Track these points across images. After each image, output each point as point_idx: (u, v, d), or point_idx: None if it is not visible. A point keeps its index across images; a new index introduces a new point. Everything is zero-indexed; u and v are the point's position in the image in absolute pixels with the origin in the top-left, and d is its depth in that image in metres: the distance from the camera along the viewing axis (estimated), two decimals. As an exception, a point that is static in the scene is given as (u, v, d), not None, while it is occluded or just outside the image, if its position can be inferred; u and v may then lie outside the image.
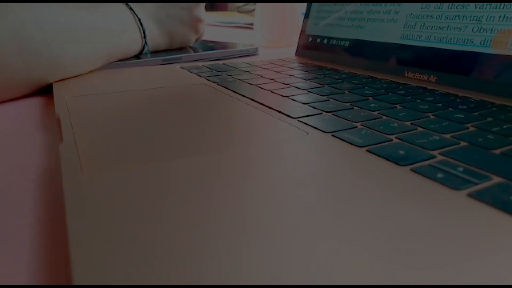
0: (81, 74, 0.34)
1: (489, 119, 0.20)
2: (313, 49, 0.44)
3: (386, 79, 0.32)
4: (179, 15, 0.47)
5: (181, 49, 0.49)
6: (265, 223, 0.11)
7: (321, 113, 0.22)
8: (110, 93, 0.27)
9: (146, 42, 0.42)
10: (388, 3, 0.34)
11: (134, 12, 0.40)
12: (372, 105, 0.24)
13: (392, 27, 0.34)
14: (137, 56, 0.42)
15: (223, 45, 0.54)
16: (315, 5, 0.45)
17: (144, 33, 0.41)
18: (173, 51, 0.47)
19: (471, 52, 0.27)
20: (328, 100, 0.25)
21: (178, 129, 0.19)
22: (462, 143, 0.17)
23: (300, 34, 0.47)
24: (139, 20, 0.40)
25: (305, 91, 0.28)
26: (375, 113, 0.22)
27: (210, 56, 0.47)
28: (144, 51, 0.43)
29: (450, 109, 0.23)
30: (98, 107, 0.24)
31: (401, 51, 0.32)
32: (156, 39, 0.45)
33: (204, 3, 0.49)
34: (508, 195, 0.13)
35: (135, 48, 0.41)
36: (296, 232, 0.11)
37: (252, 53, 0.52)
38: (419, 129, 0.19)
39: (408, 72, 0.31)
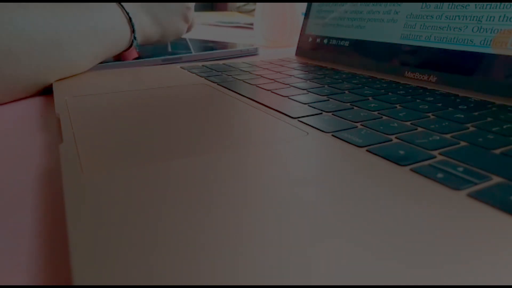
0: (81, 73, 0.35)
1: (489, 119, 0.20)
2: (313, 49, 0.44)
3: (386, 79, 0.32)
4: (169, 5, 0.45)
5: (179, 49, 0.48)
6: (265, 223, 0.11)
7: (321, 113, 0.22)
8: (110, 93, 0.27)
9: (134, 37, 0.40)
10: (388, 3, 0.34)
11: (123, 7, 0.39)
12: (372, 105, 0.24)
13: (392, 27, 0.34)
14: (126, 50, 0.41)
15: (223, 45, 0.54)
16: (315, 5, 0.45)
17: (133, 27, 0.40)
18: (173, 50, 0.47)
19: (471, 52, 0.27)
20: (328, 100, 0.25)
21: (178, 129, 0.19)
22: (462, 143, 0.17)
23: (300, 34, 0.47)
24: (128, 14, 0.39)
25: (305, 91, 0.28)
26: (375, 113, 0.22)
27: (210, 56, 0.47)
28: (133, 45, 0.41)
29: (450, 109, 0.23)
30: (98, 107, 0.24)
31: (401, 51, 0.32)
32: (147, 30, 0.43)
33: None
34: (508, 195, 0.13)
35: (124, 43, 0.40)
36: (296, 232, 0.11)
37: (252, 53, 0.52)
38: (419, 129, 0.19)
39: (408, 72, 0.31)
